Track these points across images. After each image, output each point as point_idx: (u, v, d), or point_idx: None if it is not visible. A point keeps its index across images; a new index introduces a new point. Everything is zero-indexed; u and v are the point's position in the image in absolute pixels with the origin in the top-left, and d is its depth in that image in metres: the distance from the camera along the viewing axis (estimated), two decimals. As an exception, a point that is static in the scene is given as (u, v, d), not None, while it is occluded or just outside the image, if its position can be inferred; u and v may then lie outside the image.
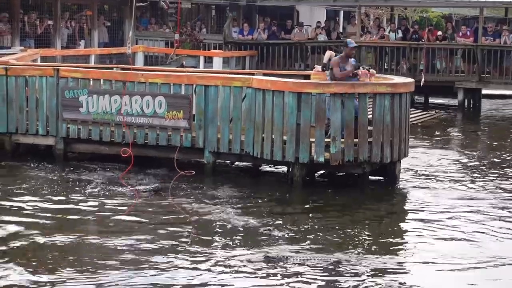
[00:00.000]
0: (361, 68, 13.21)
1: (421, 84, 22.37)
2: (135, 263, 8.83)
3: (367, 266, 8.94)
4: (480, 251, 9.74)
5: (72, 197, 11.92)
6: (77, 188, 12.45)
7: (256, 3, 31.21)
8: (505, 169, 15.36)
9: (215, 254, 9.27)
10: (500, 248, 9.92)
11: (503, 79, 26.53)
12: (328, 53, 13.83)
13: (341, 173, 13.63)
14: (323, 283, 8.40)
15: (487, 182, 14.02)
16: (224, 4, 31.06)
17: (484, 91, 28.84)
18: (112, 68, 16.09)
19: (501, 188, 13.50)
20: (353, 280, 8.49)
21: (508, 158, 16.77)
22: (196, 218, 10.92)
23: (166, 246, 9.55)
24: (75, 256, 9.02)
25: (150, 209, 11.38)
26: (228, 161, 14.36)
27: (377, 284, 8.35)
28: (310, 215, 11.34)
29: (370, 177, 13.31)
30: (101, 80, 14.33)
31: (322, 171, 13.75)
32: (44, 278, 8.26)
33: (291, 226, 10.61)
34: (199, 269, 8.70)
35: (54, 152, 14.68)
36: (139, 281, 8.23)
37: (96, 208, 11.32)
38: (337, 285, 8.35)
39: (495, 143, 19.65)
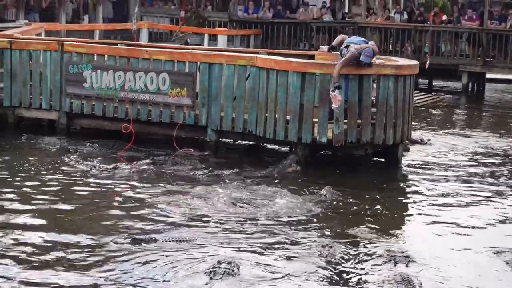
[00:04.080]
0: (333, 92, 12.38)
1: (427, 66, 22.35)
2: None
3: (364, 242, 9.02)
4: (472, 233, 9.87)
5: (69, 173, 11.88)
6: (75, 164, 12.42)
7: (262, -19, 31.12)
8: (507, 154, 15.35)
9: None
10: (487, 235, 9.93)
11: (508, 63, 26.48)
12: (341, 37, 13.71)
13: (343, 154, 13.64)
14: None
15: (489, 168, 14.01)
16: (230, -18, 31.00)
17: (488, 75, 28.79)
18: (116, 44, 16.06)
19: (502, 174, 13.50)
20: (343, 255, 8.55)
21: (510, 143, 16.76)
22: (189, 196, 10.80)
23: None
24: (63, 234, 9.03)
25: (142, 186, 11.38)
26: (231, 140, 14.38)
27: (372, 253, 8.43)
28: (311, 194, 11.32)
29: (372, 158, 13.33)
30: (105, 56, 14.32)
31: (324, 152, 13.74)
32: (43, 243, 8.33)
33: (289, 206, 10.59)
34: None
35: (57, 126, 14.70)
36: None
37: (91, 185, 11.27)
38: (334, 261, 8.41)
39: (498, 128, 19.60)
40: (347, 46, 12.76)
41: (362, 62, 12.45)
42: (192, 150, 13.23)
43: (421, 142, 15.73)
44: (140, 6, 29.44)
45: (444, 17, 28.39)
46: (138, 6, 28.34)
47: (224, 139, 14.19)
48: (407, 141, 14.27)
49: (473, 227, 10.09)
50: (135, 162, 12.73)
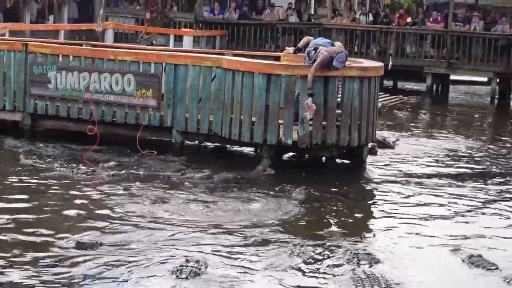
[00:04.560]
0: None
1: (389, 68, 22.48)
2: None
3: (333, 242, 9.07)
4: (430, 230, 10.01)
5: (31, 175, 11.76)
6: (37, 166, 12.31)
7: (227, -18, 31.12)
8: (471, 155, 15.51)
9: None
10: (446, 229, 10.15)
11: (472, 65, 26.74)
12: (306, 39, 13.73)
13: (309, 156, 13.69)
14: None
15: (452, 168, 14.15)
16: (196, -17, 30.97)
17: (452, 77, 29.07)
18: (81, 45, 15.96)
19: (466, 175, 13.64)
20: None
21: (474, 144, 16.92)
22: (152, 199, 10.72)
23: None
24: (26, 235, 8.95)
25: (106, 188, 11.28)
26: (196, 141, 14.35)
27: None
28: (282, 196, 11.31)
29: (337, 160, 13.38)
30: (70, 57, 14.21)
31: (290, 153, 13.78)
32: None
33: (259, 208, 10.59)
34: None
35: (21, 128, 14.57)
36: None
37: (51, 187, 11.15)
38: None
39: (462, 129, 19.82)
40: (315, 49, 12.72)
41: (334, 67, 12.43)
42: (155, 152, 13.17)
43: (387, 143, 15.80)
44: (106, 6, 29.29)
45: (409, 19, 28.61)
46: (103, 7, 28.21)
47: (189, 141, 14.16)
48: (375, 144, 14.35)
49: (435, 226, 10.21)
50: (99, 164, 12.65)
